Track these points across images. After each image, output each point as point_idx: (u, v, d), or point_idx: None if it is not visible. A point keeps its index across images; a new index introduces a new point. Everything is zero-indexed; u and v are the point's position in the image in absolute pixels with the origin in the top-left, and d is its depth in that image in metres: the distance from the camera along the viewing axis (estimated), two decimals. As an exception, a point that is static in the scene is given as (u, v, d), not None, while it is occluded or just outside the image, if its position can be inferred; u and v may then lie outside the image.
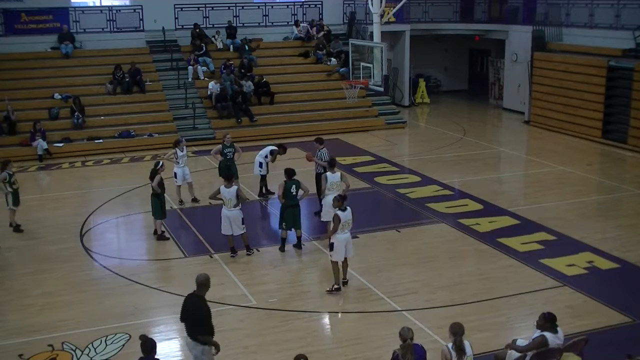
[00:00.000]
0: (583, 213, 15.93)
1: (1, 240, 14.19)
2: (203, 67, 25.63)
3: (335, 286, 11.61)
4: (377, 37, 22.88)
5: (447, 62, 34.34)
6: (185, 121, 23.80)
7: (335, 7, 29.99)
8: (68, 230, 14.96)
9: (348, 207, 11.50)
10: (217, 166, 16.96)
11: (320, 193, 14.34)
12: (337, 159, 19.78)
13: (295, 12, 29.19)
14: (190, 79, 25.27)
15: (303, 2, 29.40)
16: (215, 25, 27.55)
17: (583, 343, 8.44)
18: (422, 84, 31.40)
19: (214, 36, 27.11)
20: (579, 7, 25.44)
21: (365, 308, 11.18)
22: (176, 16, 27.07)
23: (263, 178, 16.89)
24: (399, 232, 14.71)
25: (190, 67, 25.39)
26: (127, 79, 24.45)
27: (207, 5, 27.60)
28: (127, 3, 27.57)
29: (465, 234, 14.44)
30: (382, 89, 23.10)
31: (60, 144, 21.89)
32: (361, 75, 22.68)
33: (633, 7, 23.21)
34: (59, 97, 23.46)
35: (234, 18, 27.91)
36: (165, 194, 14.34)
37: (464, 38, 31.83)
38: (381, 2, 22.61)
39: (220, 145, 16.80)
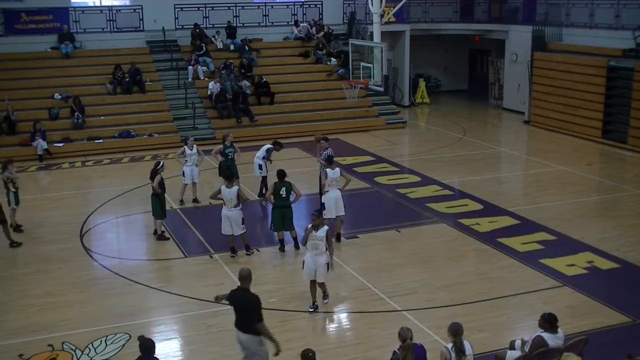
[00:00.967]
0: (583, 213, 15.93)
1: (2, 240, 14.19)
2: (203, 67, 25.64)
3: (314, 305, 11.06)
4: (377, 37, 22.87)
5: (447, 62, 34.34)
6: (185, 121, 23.81)
7: (335, 7, 30.00)
8: (68, 230, 14.96)
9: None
10: (218, 166, 16.98)
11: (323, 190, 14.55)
12: (338, 159, 19.85)
13: (295, 12, 29.19)
14: (190, 79, 25.28)
15: (303, 2, 29.41)
16: (215, 25, 27.56)
17: (583, 343, 8.43)
18: (422, 84, 31.40)
19: (214, 36, 27.12)
20: (579, 7, 25.43)
21: (366, 308, 11.18)
22: (176, 16, 27.08)
23: (264, 179, 16.90)
24: (399, 232, 14.71)
25: (190, 67, 25.39)
26: (127, 79, 24.45)
27: (207, 5, 27.60)
28: (127, 3, 27.56)
29: (465, 234, 14.44)
30: (382, 89, 23.09)
31: (60, 144, 21.89)
32: (361, 75, 22.68)
33: (633, 7, 23.21)
34: (59, 97, 23.47)
35: (234, 18, 27.91)
36: (165, 194, 14.33)
37: (464, 38, 31.83)
38: (381, 2, 22.60)
39: (221, 145, 16.81)
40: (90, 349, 9.90)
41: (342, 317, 11.17)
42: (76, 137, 22.43)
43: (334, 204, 13.70)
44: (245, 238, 13.32)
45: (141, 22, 26.46)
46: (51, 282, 12.32)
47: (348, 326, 10.87)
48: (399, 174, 19.20)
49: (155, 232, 14.38)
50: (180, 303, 11.44)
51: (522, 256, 13.14)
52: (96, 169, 20.53)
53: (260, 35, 28.30)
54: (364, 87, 23.13)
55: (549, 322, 8.15)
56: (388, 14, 26.71)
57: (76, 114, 22.71)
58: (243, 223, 13.16)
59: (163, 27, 26.32)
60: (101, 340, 10.12)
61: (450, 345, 7.69)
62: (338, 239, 13.95)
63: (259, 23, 28.52)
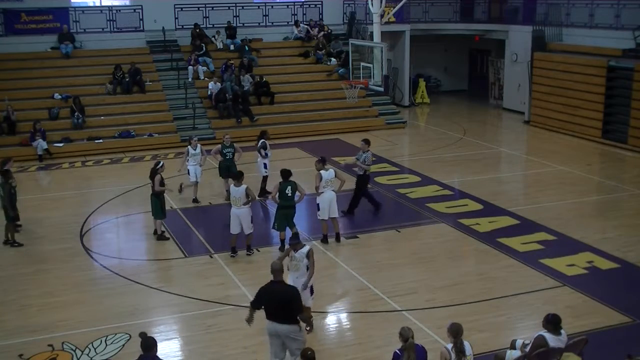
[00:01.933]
0: (583, 213, 15.93)
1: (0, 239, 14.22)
2: (203, 67, 25.64)
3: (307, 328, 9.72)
4: (377, 37, 22.86)
5: (447, 62, 34.33)
6: (185, 121, 23.81)
7: (335, 7, 30.00)
8: (68, 230, 14.96)
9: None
10: (217, 166, 16.98)
11: (357, 195, 15.48)
12: (337, 159, 19.90)
13: (295, 12, 29.19)
14: (190, 79, 25.28)
15: (303, 2, 29.41)
16: (215, 25, 27.56)
17: (583, 343, 8.43)
18: (422, 84, 31.39)
19: (214, 36, 27.12)
20: (579, 7, 25.43)
21: (365, 308, 11.17)
22: (176, 16, 27.08)
23: (265, 179, 16.90)
24: (399, 232, 14.71)
25: (190, 67, 25.39)
26: (127, 79, 24.45)
27: (207, 5, 27.60)
28: (127, 3, 27.56)
29: (465, 234, 14.44)
30: (382, 89, 23.08)
31: (60, 144, 21.89)
32: (361, 75, 22.67)
33: (633, 7, 23.20)
34: (59, 97, 23.47)
35: (234, 18, 27.91)
36: (165, 194, 14.33)
37: (464, 38, 31.83)
38: (381, 2, 22.58)
39: (220, 145, 16.82)
40: (90, 349, 9.90)
41: (341, 317, 11.16)
42: (76, 137, 22.43)
43: (328, 205, 13.69)
44: (249, 238, 13.32)
45: (141, 22, 26.46)
46: (51, 282, 12.32)
47: (348, 326, 10.87)
48: (399, 174, 19.20)
49: (155, 232, 14.38)
50: (180, 303, 11.44)
51: (522, 256, 13.14)
52: (96, 169, 20.53)
53: (260, 35, 28.31)
54: (364, 87, 23.13)
55: (552, 323, 8.14)
56: (388, 14, 26.72)
57: (76, 114, 22.71)
58: (252, 222, 13.17)
59: (163, 27, 26.32)
60: (101, 340, 10.12)
61: (450, 346, 7.68)
62: (337, 239, 13.97)
63: (259, 23, 28.52)
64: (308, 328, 9.36)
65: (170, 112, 24.18)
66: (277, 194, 13.16)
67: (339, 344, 10.10)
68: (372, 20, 23.35)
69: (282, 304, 8.46)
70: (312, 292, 10.09)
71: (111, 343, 10.06)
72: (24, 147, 21.40)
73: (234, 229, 13.14)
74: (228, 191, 16.72)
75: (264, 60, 27.10)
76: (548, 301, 11.20)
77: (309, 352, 7.54)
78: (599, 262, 12.86)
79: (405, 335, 7.58)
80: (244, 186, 13.01)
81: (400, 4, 24.88)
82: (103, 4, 27.27)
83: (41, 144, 21.19)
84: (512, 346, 8.59)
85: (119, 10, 26.67)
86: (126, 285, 12.14)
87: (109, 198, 17.27)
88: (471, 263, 13.19)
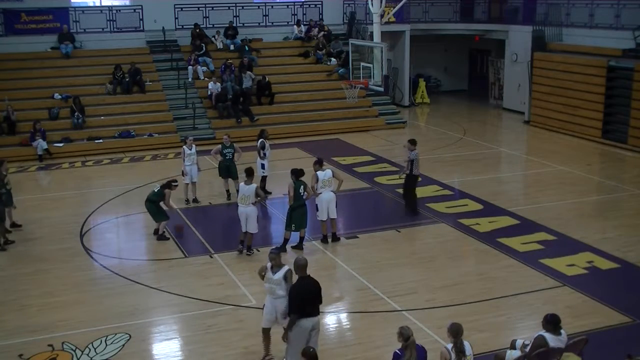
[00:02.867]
0: (583, 213, 15.93)
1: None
2: (203, 67, 25.64)
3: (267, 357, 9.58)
4: (377, 37, 22.87)
5: (447, 62, 34.34)
6: (185, 121, 23.81)
7: (335, 7, 30.00)
8: (68, 230, 14.96)
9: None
10: (217, 166, 16.98)
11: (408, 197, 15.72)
12: (337, 159, 19.90)
13: (295, 12, 29.19)
14: (190, 79, 25.28)
15: (303, 2, 29.41)
16: (215, 25, 27.56)
17: (583, 343, 8.43)
18: (422, 84, 31.39)
19: (214, 36, 27.12)
20: (579, 7, 25.44)
21: (365, 308, 11.17)
22: (176, 16, 27.08)
23: (263, 179, 16.89)
24: (399, 232, 14.71)
25: (190, 67, 25.39)
26: (127, 79, 24.45)
27: (207, 5, 27.60)
28: (127, 3, 27.56)
29: (465, 234, 14.44)
30: (382, 89, 23.09)
31: (60, 144, 21.88)
32: (361, 75, 22.68)
33: (633, 7, 23.21)
34: (59, 97, 23.47)
35: (234, 18, 27.92)
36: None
37: (464, 38, 31.83)
38: (381, 2, 22.59)
39: (219, 145, 16.82)
40: (90, 349, 9.89)
41: (341, 317, 11.16)
42: (76, 137, 22.43)
43: (326, 206, 13.65)
44: (251, 238, 13.31)
45: (141, 22, 26.46)
46: (51, 282, 12.31)
47: (348, 326, 10.87)
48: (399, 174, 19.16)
49: (155, 231, 14.38)
50: (180, 303, 11.43)
51: (522, 256, 13.13)
52: (96, 169, 20.52)
53: (260, 35, 28.31)
54: (364, 87, 23.14)
55: (551, 323, 8.14)
56: (388, 14, 26.72)
57: (76, 114, 22.71)
58: (257, 222, 13.16)
59: (163, 27, 26.32)
60: (101, 340, 10.12)
61: (450, 346, 7.68)
62: (335, 239, 13.94)
63: (259, 23, 28.52)
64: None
65: (170, 112, 24.18)
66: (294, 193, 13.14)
67: (339, 344, 10.10)
68: (372, 20, 23.37)
69: (314, 298, 8.64)
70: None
71: (111, 343, 10.06)
72: (24, 147, 21.39)
73: (244, 227, 13.13)
74: (228, 191, 16.82)
75: (263, 60, 27.11)
76: (548, 301, 11.20)
77: (311, 350, 7.53)
78: (599, 262, 12.86)
79: (406, 334, 7.57)
80: (254, 185, 13.01)
81: (400, 4, 24.89)
82: (103, 4, 27.26)
83: (41, 144, 21.19)
84: (512, 346, 8.59)
85: (119, 10, 26.67)
86: (126, 285, 12.14)
87: (108, 198, 17.26)
88: (471, 263, 13.19)
